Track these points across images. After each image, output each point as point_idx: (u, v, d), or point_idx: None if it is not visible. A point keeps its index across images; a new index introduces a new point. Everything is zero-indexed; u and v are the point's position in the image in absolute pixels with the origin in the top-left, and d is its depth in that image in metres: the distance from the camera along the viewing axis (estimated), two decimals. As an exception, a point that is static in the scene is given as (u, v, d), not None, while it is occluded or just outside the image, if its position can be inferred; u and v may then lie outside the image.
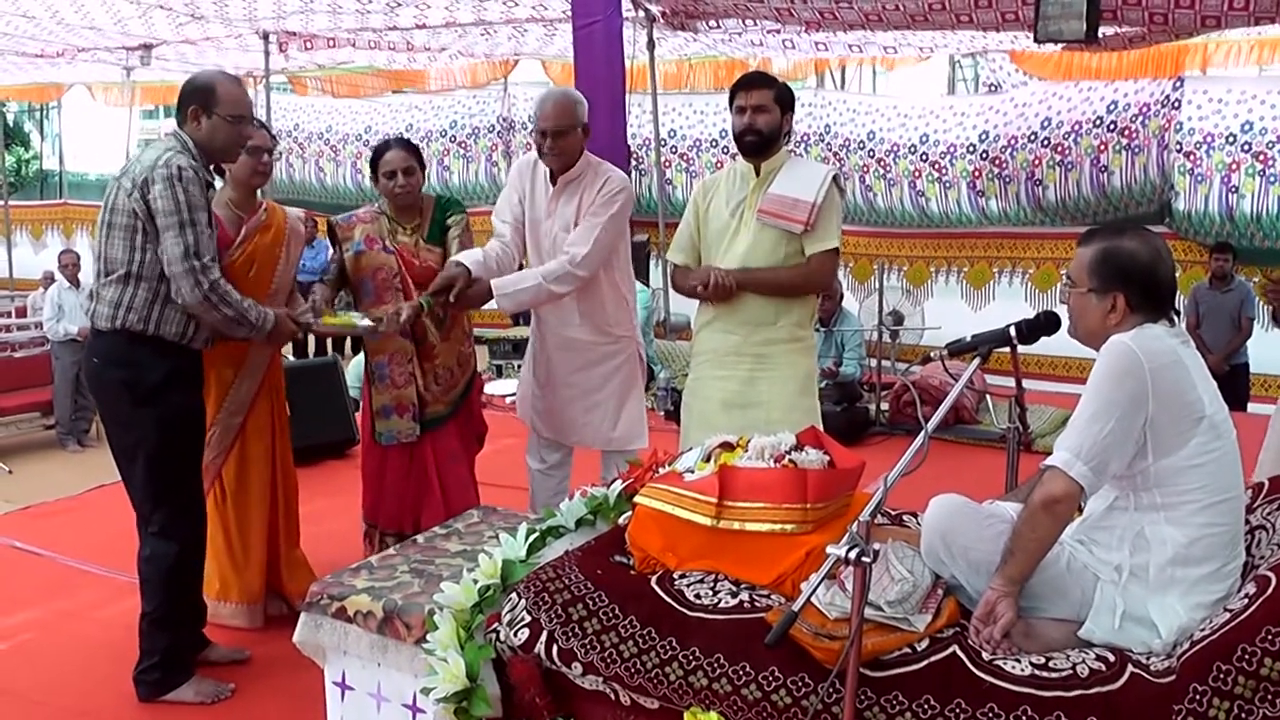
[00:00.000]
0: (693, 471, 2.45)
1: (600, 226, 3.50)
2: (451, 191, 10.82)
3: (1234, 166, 8.17)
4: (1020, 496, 2.34)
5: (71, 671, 3.31)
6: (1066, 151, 8.92)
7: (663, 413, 6.74)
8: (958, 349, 2.45)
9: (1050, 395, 6.81)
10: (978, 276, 9.53)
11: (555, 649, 2.14)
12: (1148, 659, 1.95)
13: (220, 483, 3.52)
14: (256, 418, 3.55)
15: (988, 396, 6.58)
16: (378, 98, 12.17)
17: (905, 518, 2.60)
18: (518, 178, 3.72)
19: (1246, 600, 1.89)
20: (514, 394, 5.13)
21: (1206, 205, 8.31)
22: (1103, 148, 8.75)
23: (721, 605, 2.15)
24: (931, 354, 2.54)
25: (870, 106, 10.19)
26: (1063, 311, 2.28)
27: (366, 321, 3.46)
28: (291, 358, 5.74)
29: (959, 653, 1.95)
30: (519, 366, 6.20)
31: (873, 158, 9.99)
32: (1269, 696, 1.74)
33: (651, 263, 9.50)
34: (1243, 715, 1.74)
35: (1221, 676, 1.77)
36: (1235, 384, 6.99)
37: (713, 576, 2.28)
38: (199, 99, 2.96)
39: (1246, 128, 8.12)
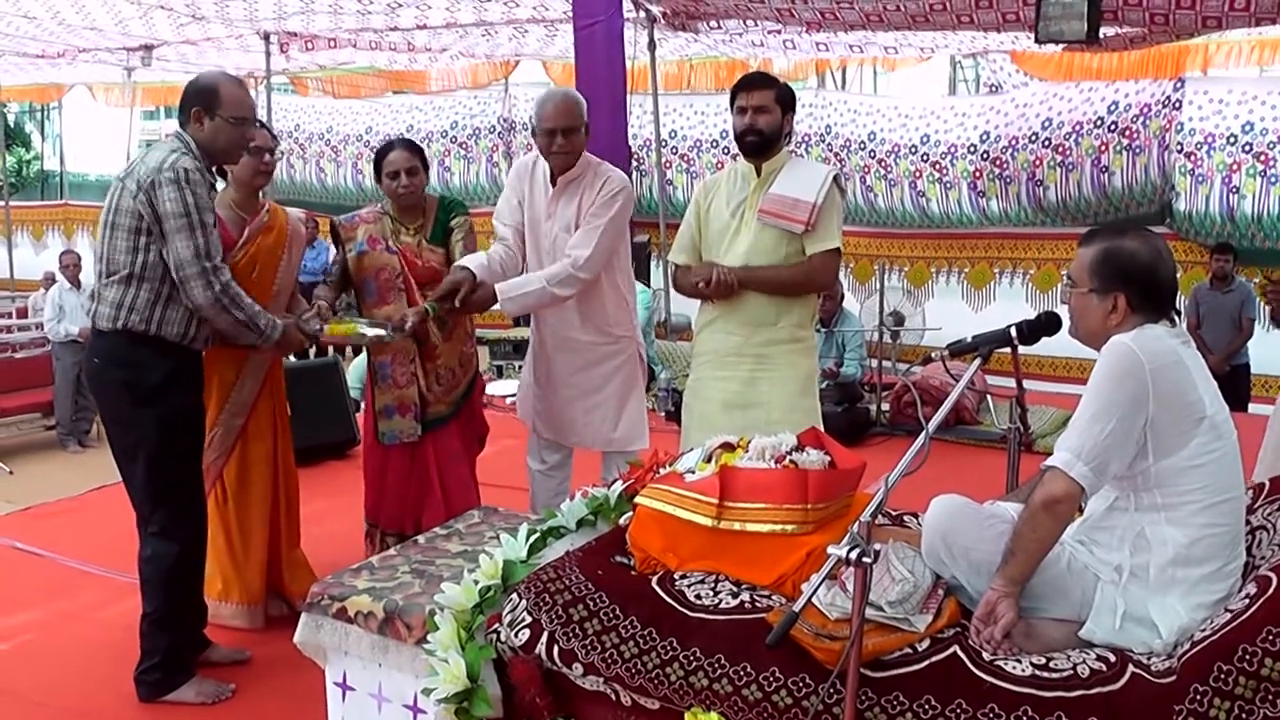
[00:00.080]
0: (693, 472, 2.45)
1: (602, 229, 3.50)
2: (452, 192, 10.84)
3: (1235, 167, 8.17)
4: (1021, 497, 2.34)
5: (72, 672, 3.32)
6: (1067, 152, 8.92)
7: (663, 413, 6.75)
8: (958, 349, 2.45)
9: (1051, 396, 6.81)
10: (979, 277, 9.53)
11: (556, 649, 2.14)
12: (1148, 659, 1.95)
13: (222, 483, 3.52)
14: (258, 419, 3.55)
15: (989, 397, 6.59)
16: (378, 98, 12.18)
17: (906, 518, 2.60)
18: (516, 180, 3.72)
19: (1247, 600, 1.89)
20: (515, 394, 5.13)
21: (1207, 206, 8.31)
22: (1103, 148, 8.76)
23: (722, 606, 2.15)
24: (932, 354, 2.55)
25: (871, 107, 10.20)
26: (1064, 312, 2.28)
27: (374, 331, 3.45)
28: (292, 358, 5.73)
29: (960, 653, 1.95)
30: (520, 367, 6.21)
31: (873, 158, 9.99)
32: (1270, 697, 1.74)
33: (652, 263, 9.50)
34: (1243, 715, 1.74)
35: (1222, 677, 1.77)
36: (1236, 384, 6.99)
37: (713, 577, 2.28)
38: (202, 101, 2.96)
39: (1247, 128, 8.12)
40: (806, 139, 10.14)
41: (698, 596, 2.19)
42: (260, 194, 3.57)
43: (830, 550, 1.78)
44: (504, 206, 3.74)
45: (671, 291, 3.89)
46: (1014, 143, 9.19)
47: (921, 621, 2.01)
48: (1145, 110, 8.51)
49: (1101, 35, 6.07)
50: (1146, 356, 2.00)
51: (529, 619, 2.19)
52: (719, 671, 1.99)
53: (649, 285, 8.64)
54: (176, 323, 2.95)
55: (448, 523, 3.06)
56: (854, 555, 1.74)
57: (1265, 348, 7.45)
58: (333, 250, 3.91)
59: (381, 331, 3.44)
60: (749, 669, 1.97)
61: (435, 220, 3.75)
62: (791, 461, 2.38)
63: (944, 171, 9.63)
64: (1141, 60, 8.15)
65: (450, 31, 8.64)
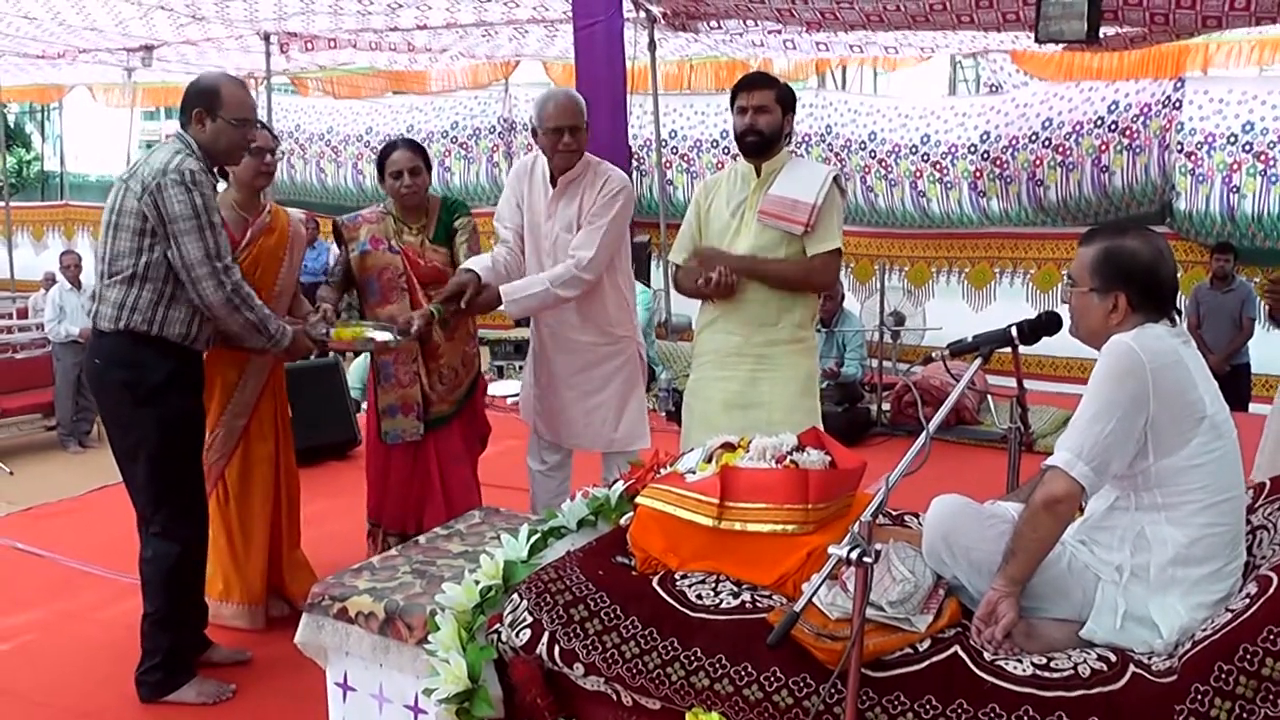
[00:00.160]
0: (694, 472, 2.45)
1: (604, 229, 3.51)
2: (452, 192, 10.84)
3: (1235, 167, 8.17)
4: (1021, 497, 2.34)
5: (73, 672, 3.32)
6: (1068, 152, 8.92)
7: (664, 414, 6.75)
8: (959, 349, 2.45)
9: (1051, 396, 6.82)
10: (979, 277, 9.53)
11: (557, 650, 2.14)
12: (1149, 659, 1.95)
13: (224, 484, 3.53)
14: (260, 419, 3.56)
15: (989, 397, 6.59)
16: (379, 99, 12.18)
17: (907, 518, 2.60)
18: (516, 181, 3.73)
19: (1248, 600, 1.89)
20: (515, 395, 5.13)
21: (1207, 205, 8.31)
22: (1104, 148, 8.76)
23: (723, 606, 2.16)
24: (933, 354, 2.55)
25: (871, 107, 10.20)
26: (1064, 311, 2.28)
27: (382, 335, 3.44)
28: (293, 359, 5.78)
29: (961, 653, 1.95)
30: (520, 367, 6.22)
31: (874, 158, 9.99)
32: (1270, 696, 1.74)
33: (653, 264, 9.50)
34: (1244, 715, 1.74)
35: (1223, 676, 1.77)
36: (1236, 384, 6.99)
37: (714, 577, 2.28)
38: (203, 102, 2.96)
39: (1247, 128, 8.12)
40: (807, 139, 10.14)
41: (699, 596, 2.19)
42: (262, 195, 3.57)
43: (831, 550, 1.78)
44: (504, 208, 3.75)
45: (672, 292, 3.89)
46: (1014, 142, 9.19)
47: (922, 621, 2.01)
48: (1145, 110, 8.51)
49: (1101, 35, 6.07)
50: (1147, 356, 2.00)
51: (530, 619, 2.19)
52: (720, 671, 1.99)
53: (649, 285, 8.64)
54: (179, 322, 2.96)
55: (448, 523, 3.06)
56: (855, 555, 1.74)
57: (1265, 347, 7.44)
58: (333, 250, 3.92)
59: (388, 335, 3.44)
60: (750, 669, 1.97)
61: (438, 220, 3.76)
62: (792, 461, 2.38)
63: (944, 171, 9.62)
64: (1142, 60, 8.15)
65: (450, 32, 8.64)
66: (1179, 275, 2.27)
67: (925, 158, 9.70)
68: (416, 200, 3.71)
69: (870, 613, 1.92)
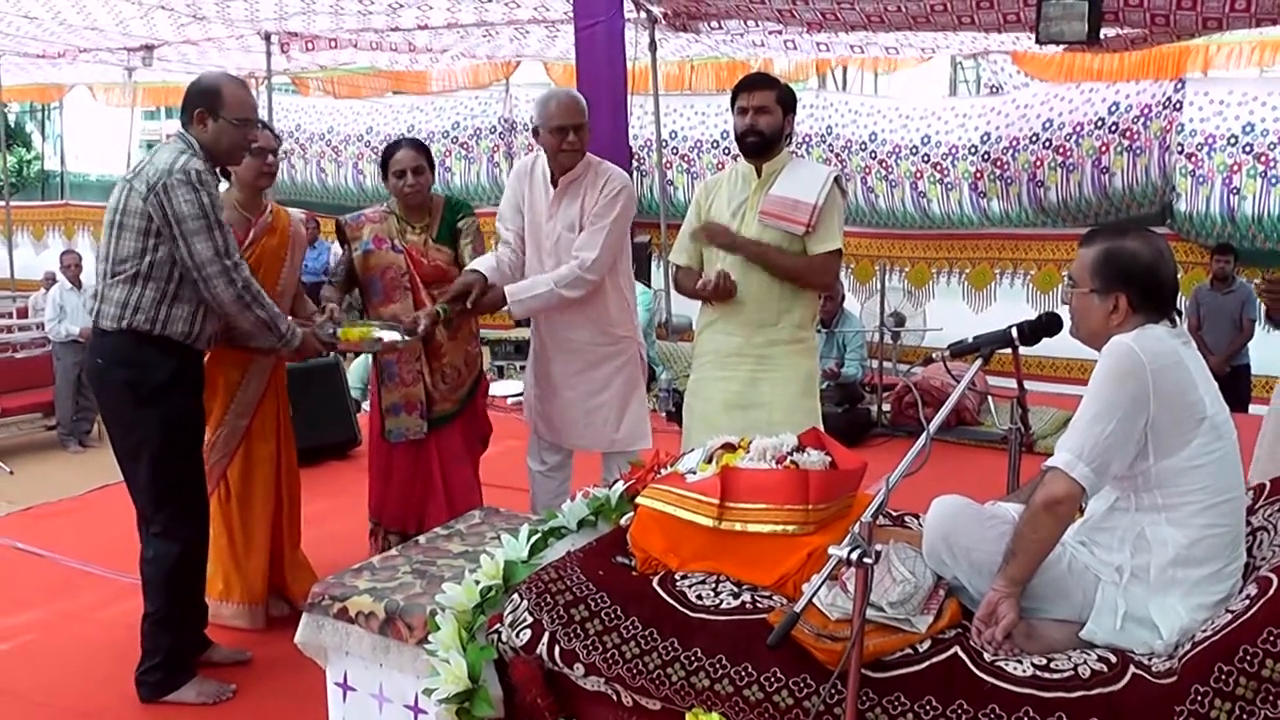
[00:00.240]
0: (695, 473, 2.45)
1: (607, 229, 3.52)
2: (453, 192, 10.83)
3: (1235, 168, 8.17)
4: (1022, 498, 2.34)
5: (73, 672, 3.32)
6: (1068, 153, 8.92)
7: (664, 414, 6.75)
8: (959, 350, 2.45)
9: (1052, 396, 6.81)
10: (979, 278, 9.53)
11: (557, 650, 2.14)
12: (1149, 660, 1.95)
13: (225, 483, 3.53)
14: (263, 419, 3.56)
15: (989, 398, 6.59)
16: (380, 98, 12.18)
17: (907, 519, 2.60)
18: (516, 182, 3.73)
19: (1248, 601, 1.89)
20: (516, 394, 5.13)
21: (1208, 206, 8.31)
22: (1104, 149, 8.76)
23: (723, 606, 2.16)
24: (933, 355, 2.56)
25: (872, 108, 10.19)
26: (1064, 312, 2.28)
27: (389, 335, 3.45)
28: (293, 359, 5.78)
29: (961, 654, 1.95)
30: (521, 367, 6.21)
31: (874, 159, 9.99)
32: (1270, 698, 1.74)
33: (653, 264, 9.50)
34: (1244, 716, 1.74)
35: (1223, 678, 1.77)
36: (1237, 385, 7.00)
37: (714, 577, 2.28)
38: (204, 102, 2.96)
39: (1248, 129, 8.12)
40: (807, 140, 10.14)
41: (699, 597, 2.19)
42: (263, 194, 3.58)
43: (831, 551, 1.78)
44: (506, 209, 3.76)
45: (672, 292, 3.90)
46: (1015, 143, 9.19)
47: (923, 622, 2.01)
48: (1146, 111, 8.51)
49: (1102, 36, 6.07)
50: (1148, 357, 2.00)
51: (530, 619, 2.20)
52: (720, 672, 1.99)
53: (650, 286, 8.65)
54: (181, 321, 2.96)
55: (449, 523, 3.06)
56: (855, 556, 1.74)
57: (1265, 348, 7.44)
58: (334, 250, 3.93)
59: (396, 335, 3.44)
60: (750, 669, 1.97)
61: (441, 220, 3.77)
62: (793, 462, 2.38)
63: (945, 172, 9.62)
64: (1142, 61, 8.15)
65: (451, 32, 8.64)
66: (1179, 276, 2.26)
67: (926, 158, 9.70)
68: (420, 199, 3.71)
69: (870, 613, 1.92)
